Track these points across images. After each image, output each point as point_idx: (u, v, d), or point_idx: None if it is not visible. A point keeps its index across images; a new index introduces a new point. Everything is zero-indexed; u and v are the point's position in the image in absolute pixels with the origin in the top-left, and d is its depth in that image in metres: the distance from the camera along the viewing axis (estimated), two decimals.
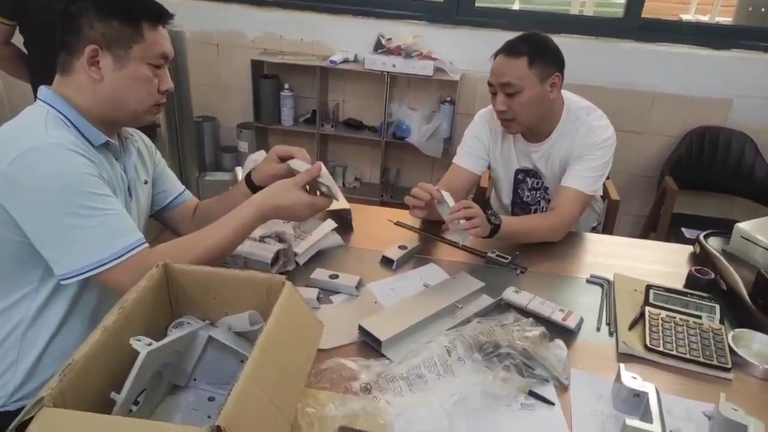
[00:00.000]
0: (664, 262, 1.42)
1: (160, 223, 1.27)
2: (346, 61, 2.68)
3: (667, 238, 2.35)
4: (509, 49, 1.40)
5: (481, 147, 1.63)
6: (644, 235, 2.61)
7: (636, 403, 0.87)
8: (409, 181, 3.02)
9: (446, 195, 1.23)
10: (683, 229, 2.41)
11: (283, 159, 1.15)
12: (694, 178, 2.54)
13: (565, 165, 1.53)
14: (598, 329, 1.13)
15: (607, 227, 1.94)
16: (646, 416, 0.83)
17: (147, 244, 0.94)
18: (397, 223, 1.52)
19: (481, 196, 1.98)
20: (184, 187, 1.28)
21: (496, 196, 1.82)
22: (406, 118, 2.74)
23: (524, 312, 1.12)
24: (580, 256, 1.44)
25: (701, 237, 1.44)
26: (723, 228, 1.45)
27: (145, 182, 1.15)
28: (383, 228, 1.50)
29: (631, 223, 2.82)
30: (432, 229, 1.47)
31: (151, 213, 1.21)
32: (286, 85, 2.79)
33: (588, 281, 1.30)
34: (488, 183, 1.93)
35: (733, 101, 2.55)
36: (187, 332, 0.81)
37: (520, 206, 1.71)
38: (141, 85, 0.98)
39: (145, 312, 0.79)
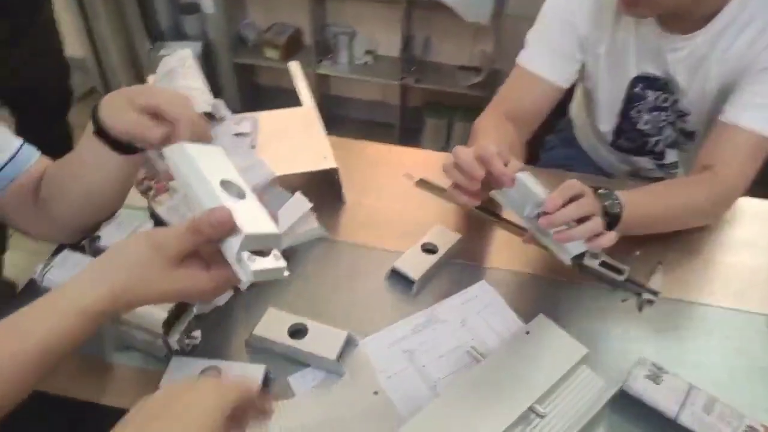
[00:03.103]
0: None
1: None
2: None
3: None
4: None
5: (573, 39, 0.98)
6: None
7: None
8: (442, 56, 2.33)
9: (525, 176, 0.65)
10: None
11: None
12: None
13: (730, 81, 0.89)
14: None
15: None
16: None
17: None
18: (420, 183, 0.95)
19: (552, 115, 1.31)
20: (20, 142, 0.72)
21: (586, 118, 1.20)
22: None
23: (671, 423, 0.61)
24: (726, 249, 0.87)
25: None
26: None
27: None
28: (397, 193, 0.94)
29: None
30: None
31: None
32: None
33: None
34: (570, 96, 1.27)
35: None
36: None
37: (629, 137, 1.10)
38: None
39: None
